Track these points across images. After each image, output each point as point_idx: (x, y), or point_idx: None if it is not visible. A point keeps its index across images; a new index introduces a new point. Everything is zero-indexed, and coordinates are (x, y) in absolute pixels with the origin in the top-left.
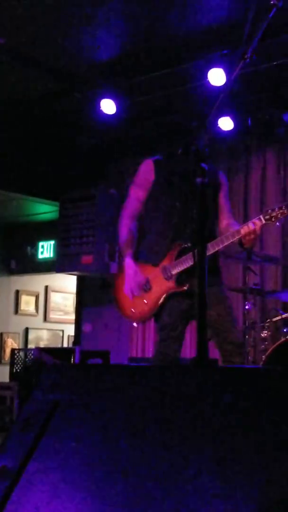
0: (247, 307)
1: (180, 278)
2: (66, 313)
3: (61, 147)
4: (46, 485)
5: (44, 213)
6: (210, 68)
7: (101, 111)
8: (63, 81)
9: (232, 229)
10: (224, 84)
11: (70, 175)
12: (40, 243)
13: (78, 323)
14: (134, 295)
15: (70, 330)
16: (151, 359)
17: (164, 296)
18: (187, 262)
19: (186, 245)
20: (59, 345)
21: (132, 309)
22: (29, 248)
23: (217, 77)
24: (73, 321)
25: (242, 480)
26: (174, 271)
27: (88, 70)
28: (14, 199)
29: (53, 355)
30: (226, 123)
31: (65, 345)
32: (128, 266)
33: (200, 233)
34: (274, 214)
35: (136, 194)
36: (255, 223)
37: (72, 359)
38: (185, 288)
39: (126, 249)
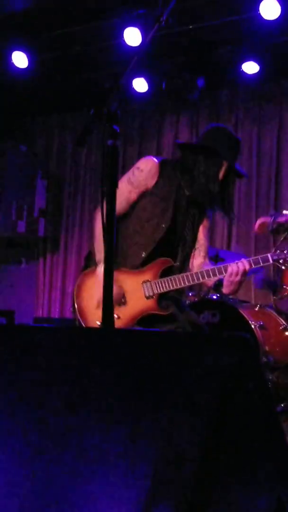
0: None
1: (162, 299)
2: None
3: None
4: None
5: None
6: (126, 27)
7: (12, 64)
8: None
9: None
10: (140, 44)
11: None
12: None
13: None
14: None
15: None
16: (56, 320)
17: (141, 316)
18: (174, 285)
19: (175, 264)
20: None
21: (99, 323)
22: None
23: (132, 37)
24: None
25: (141, 441)
26: (157, 291)
27: None
28: None
29: None
30: (140, 85)
31: None
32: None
33: (110, 194)
34: (283, 256)
35: (129, 195)
36: (244, 263)
37: None
38: (168, 313)
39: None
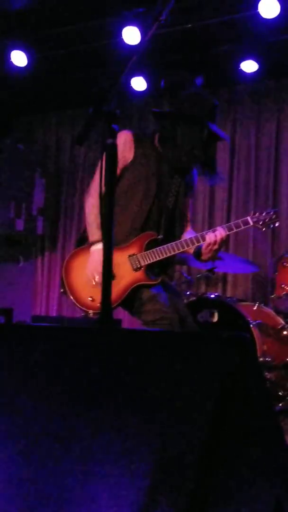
0: None
1: (150, 270)
2: None
3: None
4: None
5: None
6: (125, 26)
7: (11, 62)
8: None
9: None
10: (138, 43)
11: None
12: None
13: None
14: (97, 282)
15: None
16: (53, 319)
17: (132, 287)
18: (160, 255)
19: (158, 237)
20: None
21: (91, 298)
22: None
23: (131, 35)
24: None
25: (140, 440)
26: (144, 262)
27: None
28: None
29: None
30: (138, 84)
31: None
32: (96, 252)
33: (108, 193)
34: (262, 218)
35: None
36: (221, 231)
37: None
38: (158, 282)
39: (97, 232)
